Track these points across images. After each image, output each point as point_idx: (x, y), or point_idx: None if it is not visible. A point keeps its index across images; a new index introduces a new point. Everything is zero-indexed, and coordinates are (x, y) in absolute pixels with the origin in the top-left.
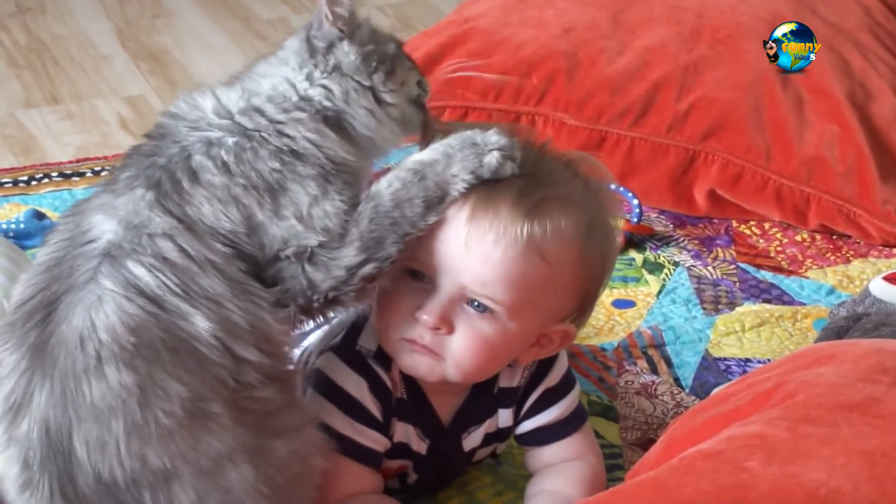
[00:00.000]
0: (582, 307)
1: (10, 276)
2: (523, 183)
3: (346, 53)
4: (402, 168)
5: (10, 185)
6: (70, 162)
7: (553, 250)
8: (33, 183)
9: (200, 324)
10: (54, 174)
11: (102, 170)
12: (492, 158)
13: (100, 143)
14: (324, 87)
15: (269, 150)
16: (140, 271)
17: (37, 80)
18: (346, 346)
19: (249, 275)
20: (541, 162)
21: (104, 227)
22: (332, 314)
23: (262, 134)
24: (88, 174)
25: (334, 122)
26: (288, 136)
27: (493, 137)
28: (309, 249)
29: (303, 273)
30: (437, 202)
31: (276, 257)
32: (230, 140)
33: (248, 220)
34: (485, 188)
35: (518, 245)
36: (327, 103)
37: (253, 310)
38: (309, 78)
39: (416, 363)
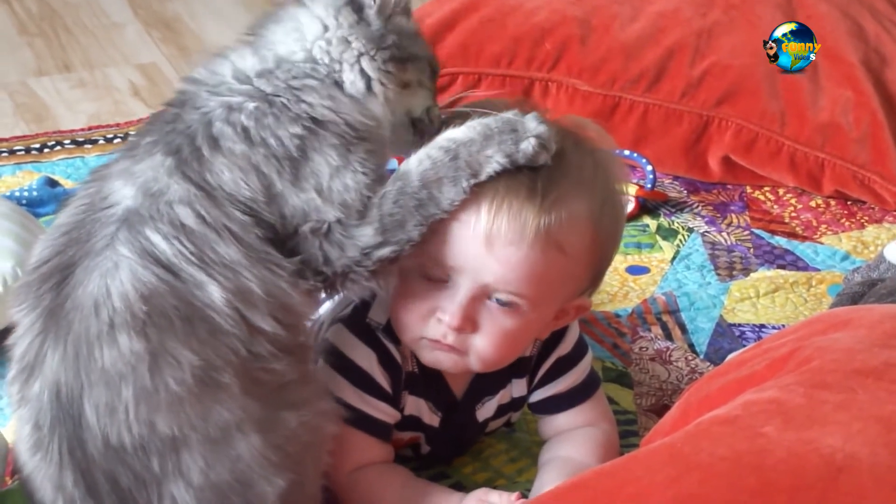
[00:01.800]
0: (595, 279)
1: (24, 243)
2: (539, 170)
3: (370, 21)
4: (434, 146)
5: (23, 152)
6: (82, 129)
7: (571, 240)
8: (46, 151)
9: (215, 293)
10: (67, 142)
11: (115, 137)
12: (528, 145)
13: (112, 111)
14: (330, 40)
15: (290, 116)
16: (157, 238)
17: (49, 48)
18: (355, 318)
19: (268, 242)
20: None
21: (123, 193)
22: (346, 291)
23: (283, 99)
24: (101, 142)
25: (341, 81)
26: (305, 101)
27: (532, 123)
28: (326, 224)
29: (319, 248)
30: (467, 181)
31: (295, 231)
32: (251, 105)
33: (268, 189)
34: (498, 180)
35: (538, 242)
36: (330, 64)
37: (271, 278)
38: (320, 32)
39: (440, 359)
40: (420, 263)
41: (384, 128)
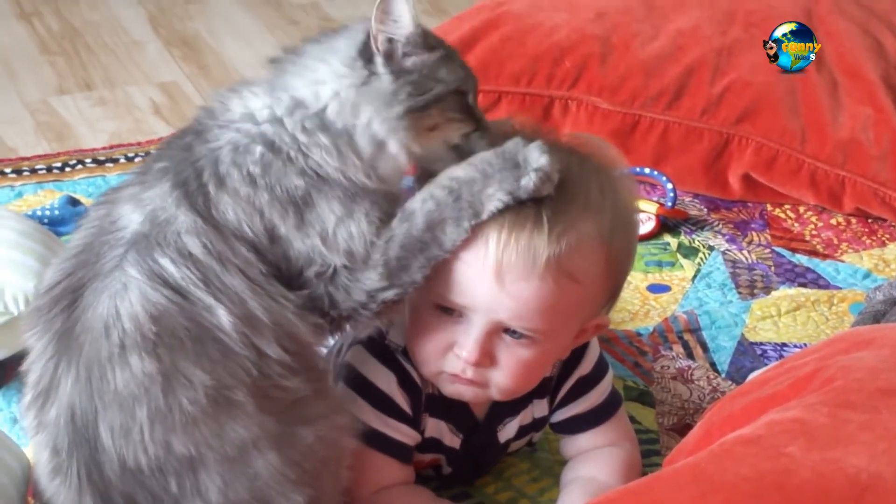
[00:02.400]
0: (612, 297)
1: (46, 262)
2: (545, 201)
3: (380, 75)
4: (438, 185)
5: (44, 171)
6: (103, 148)
7: (583, 266)
8: (67, 169)
9: (223, 316)
10: (88, 160)
11: (136, 156)
12: (529, 181)
13: (133, 130)
14: (342, 100)
15: (296, 169)
16: (165, 262)
17: (70, 67)
18: (375, 341)
19: (273, 278)
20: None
21: (132, 218)
22: (351, 331)
23: (290, 153)
24: (122, 160)
25: (353, 142)
26: (312, 158)
27: (534, 154)
28: (331, 269)
29: (325, 291)
30: (468, 221)
31: (300, 273)
32: (257, 150)
33: (272, 232)
34: (503, 213)
35: (549, 274)
36: (343, 123)
37: (277, 308)
38: (333, 86)
39: (461, 392)
40: (434, 296)
41: (395, 182)
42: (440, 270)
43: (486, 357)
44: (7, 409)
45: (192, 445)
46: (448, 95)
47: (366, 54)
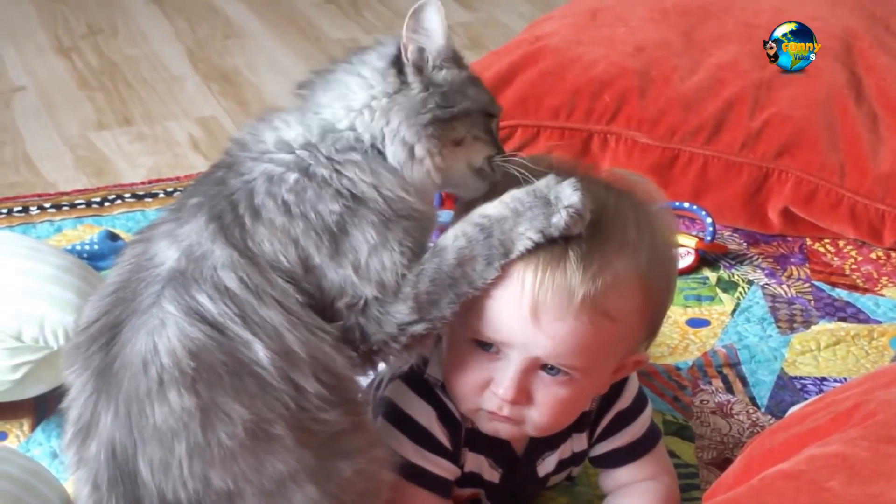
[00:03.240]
0: (651, 333)
1: (85, 296)
2: (579, 237)
3: (410, 84)
4: (469, 222)
5: (84, 206)
6: (142, 183)
7: (619, 305)
8: (106, 204)
9: (260, 351)
10: (127, 195)
11: (175, 191)
12: (560, 219)
13: (172, 164)
14: (372, 109)
15: (331, 192)
16: (202, 298)
17: (109, 102)
18: (414, 375)
19: (311, 308)
20: (591, 201)
21: (168, 255)
22: (380, 364)
23: (324, 173)
24: (161, 195)
25: (383, 155)
26: (346, 176)
27: (566, 192)
28: (363, 300)
29: (356, 323)
30: (499, 260)
31: (332, 304)
32: (292, 177)
33: (306, 262)
34: (543, 250)
35: (585, 314)
36: (372, 134)
37: (314, 341)
38: (363, 97)
39: (499, 429)
40: (471, 331)
41: (427, 201)
42: (477, 306)
43: (523, 394)
44: (47, 444)
45: (231, 480)
46: (474, 114)
47: (397, 64)
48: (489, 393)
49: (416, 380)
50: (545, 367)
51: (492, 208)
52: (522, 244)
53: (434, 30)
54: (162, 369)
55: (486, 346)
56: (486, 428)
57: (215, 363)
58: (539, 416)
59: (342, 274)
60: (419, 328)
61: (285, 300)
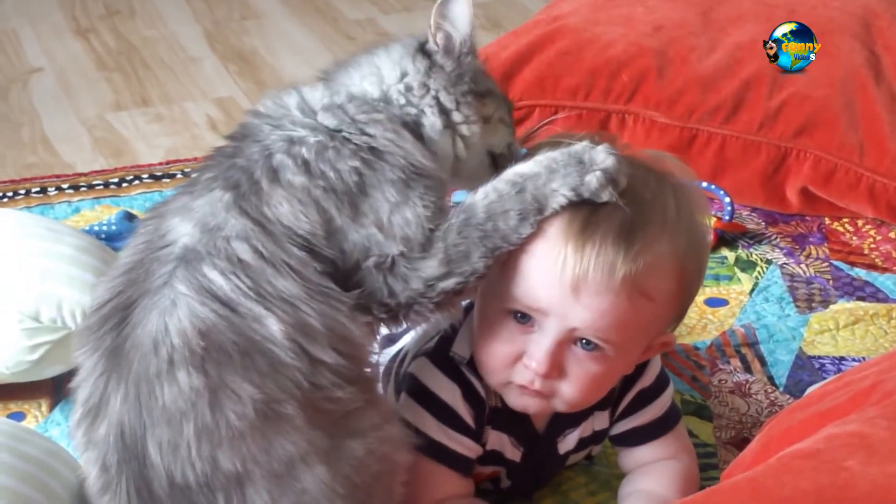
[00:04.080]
0: (680, 315)
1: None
2: (622, 215)
3: (442, 64)
4: (501, 179)
5: (102, 187)
6: (160, 164)
7: (658, 285)
8: (124, 185)
9: (274, 326)
10: (145, 176)
11: (192, 171)
12: (593, 178)
13: (189, 145)
14: (408, 83)
15: (350, 148)
16: (214, 275)
17: (126, 83)
18: (439, 352)
19: (326, 276)
20: (633, 180)
21: (181, 231)
22: (411, 323)
23: (344, 133)
24: (178, 176)
25: (412, 127)
26: (368, 134)
27: (601, 156)
28: (390, 258)
29: (384, 282)
30: (533, 216)
31: (357, 266)
32: (312, 138)
33: (328, 224)
34: (584, 220)
35: (625, 291)
36: (405, 106)
37: (329, 312)
38: (396, 74)
39: (527, 404)
40: (507, 299)
41: (446, 169)
42: (516, 276)
43: (556, 368)
44: (65, 424)
45: (239, 461)
46: (500, 98)
47: (424, 50)
48: (521, 366)
49: (441, 357)
50: (579, 341)
51: (525, 167)
52: (556, 201)
53: (461, 18)
54: (172, 349)
55: (520, 318)
56: (514, 403)
57: (225, 342)
58: (570, 390)
59: (364, 234)
60: (450, 283)
61: (302, 269)
